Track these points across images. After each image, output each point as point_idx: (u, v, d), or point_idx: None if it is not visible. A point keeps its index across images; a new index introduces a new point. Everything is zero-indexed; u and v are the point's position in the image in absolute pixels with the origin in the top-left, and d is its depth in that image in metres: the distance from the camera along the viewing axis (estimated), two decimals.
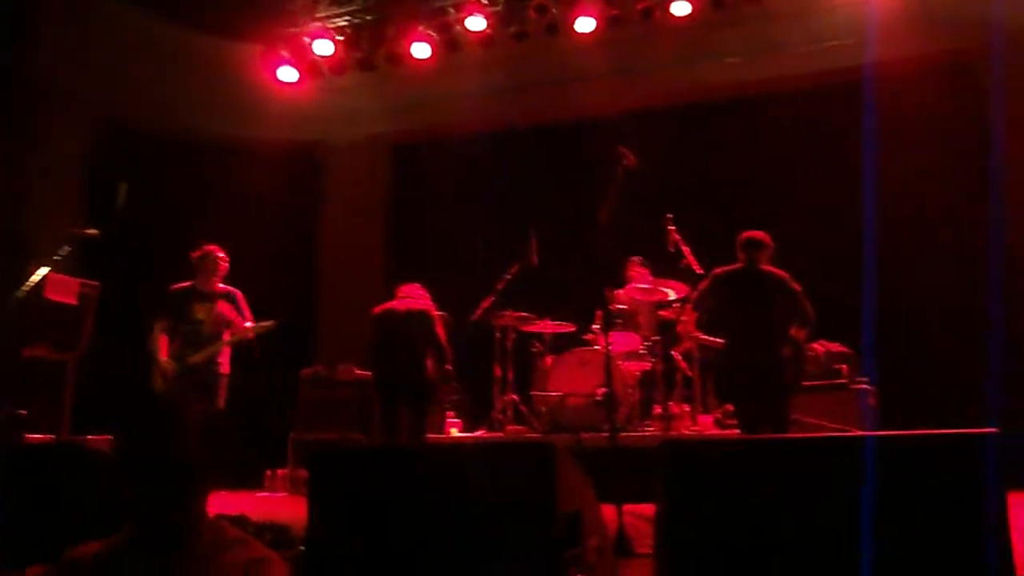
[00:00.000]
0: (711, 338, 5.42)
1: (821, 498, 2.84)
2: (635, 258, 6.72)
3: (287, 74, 8.44)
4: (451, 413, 7.15)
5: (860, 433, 4.68)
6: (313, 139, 9.31)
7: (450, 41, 8.03)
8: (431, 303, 6.00)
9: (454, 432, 7.03)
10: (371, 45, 8.15)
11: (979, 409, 5.28)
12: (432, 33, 7.97)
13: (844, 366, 5.90)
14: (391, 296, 6.12)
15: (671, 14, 7.44)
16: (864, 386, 5.83)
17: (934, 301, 6.89)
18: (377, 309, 5.97)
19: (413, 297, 5.97)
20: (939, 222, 7.19)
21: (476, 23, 7.78)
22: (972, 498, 2.65)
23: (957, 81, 7.53)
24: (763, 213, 6.06)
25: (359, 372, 7.12)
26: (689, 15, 7.46)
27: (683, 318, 5.58)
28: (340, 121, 9.14)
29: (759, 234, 5.05)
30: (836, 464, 2.91)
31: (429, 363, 5.77)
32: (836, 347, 6.01)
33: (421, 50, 8.05)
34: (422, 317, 5.83)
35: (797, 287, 4.93)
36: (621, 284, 6.63)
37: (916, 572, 2.69)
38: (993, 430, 2.79)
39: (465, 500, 3.23)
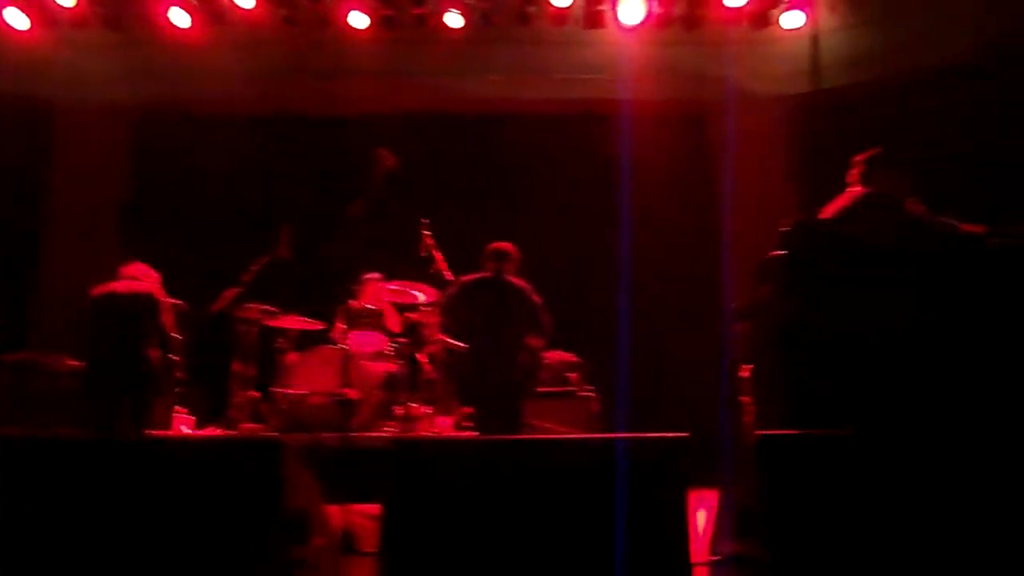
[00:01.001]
0: (456, 342, 5.60)
1: (546, 497, 3.04)
2: (372, 274, 6.77)
3: (16, 19, 7.47)
4: (182, 409, 6.70)
5: (582, 435, 5.06)
6: (44, 96, 8.31)
7: (214, 13, 7.56)
8: (159, 286, 5.59)
9: (184, 429, 6.59)
10: (121, 2, 7.45)
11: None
12: (193, 0, 7.47)
13: (574, 374, 6.38)
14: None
15: (444, 24, 7.59)
16: (590, 393, 6.34)
17: (663, 317, 7.64)
18: (96, 290, 5.45)
19: (138, 278, 5.52)
20: (674, 248, 7.97)
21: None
22: (659, 493, 2.98)
23: (694, 127, 8.47)
24: (513, 226, 6.36)
25: (71, 362, 6.46)
26: (461, 28, 7.66)
27: (430, 322, 5.71)
28: (78, 81, 8.20)
29: (506, 245, 5.31)
30: (561, 464, 3.14)
31: (152, 352, 5.37)
32: (567, 356, 6.48)
33: (179, 17, 7.49)
34: (146, 301, 5.41)
35: (538, 299, 5.25)
36: (355, 297, 6.67)
37: (609, 560, 2.97)
38: (685, 434, 3.17)
39: (189, 497, 3.07)
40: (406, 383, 6.41)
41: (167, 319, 5.48)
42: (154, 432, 5.88)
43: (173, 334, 5.53)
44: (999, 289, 3.26)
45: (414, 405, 6.32)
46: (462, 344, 5.46)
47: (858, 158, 4.15)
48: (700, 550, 3.28)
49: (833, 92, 7.81)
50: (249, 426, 6.43)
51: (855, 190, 4.03)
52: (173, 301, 5.99)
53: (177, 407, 6.59)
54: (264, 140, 8.22)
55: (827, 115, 7.66)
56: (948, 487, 2.72)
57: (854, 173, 4.10)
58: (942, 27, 7.38)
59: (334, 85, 8.19)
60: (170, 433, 6.34)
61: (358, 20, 7.55)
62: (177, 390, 6.56)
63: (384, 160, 4.61)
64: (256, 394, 6.53)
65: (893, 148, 4.34)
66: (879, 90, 7.76)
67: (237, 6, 7.44)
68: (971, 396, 3.12)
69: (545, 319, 5.27)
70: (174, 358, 5.60)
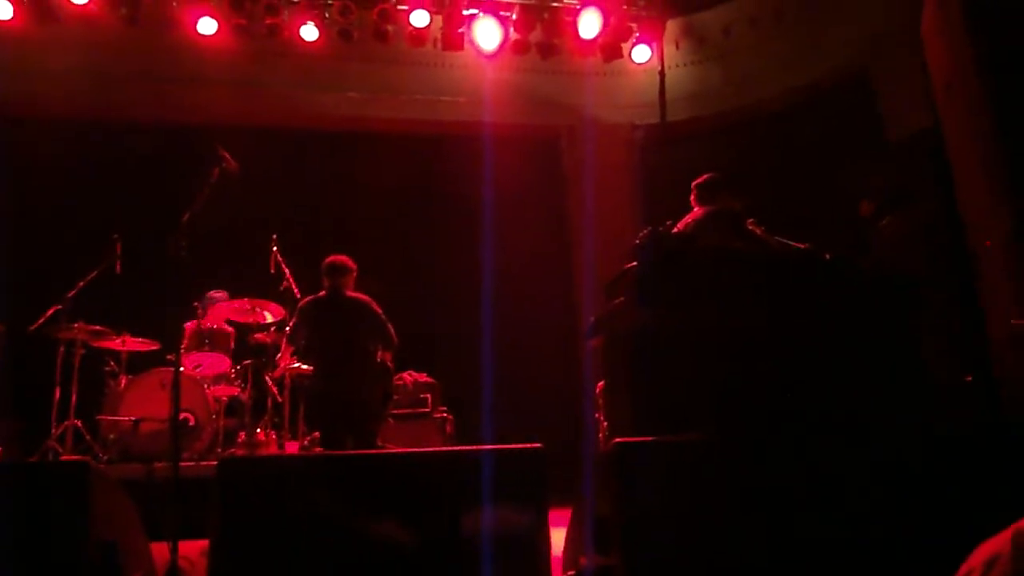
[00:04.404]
0: (303, 366, 5.33)
1: (380, 513, 2.87)
2: (215, 292, 6.41)
3: None
4: None
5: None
6: None
7: (44, 9, 6.98)
8: None
9: None
10: None
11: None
12: None
13: (428, 395, 6.26)
14: None
15: (299, 36, 7.39)
16: (444, 414, 6.23)
17: (519, 336, 7.64)
18: None
19: None
20: (530, 268, 8.01)
21: None
22: (516, 505, 2.89)
23: (549, 151, 8.63)
24: (367, 245, 6.19)
25: None
26: (318, 43, 7.47)
27: (277, 344, 5.43)
28: None
29: (342, 258, 5.14)
30: (400, 480, 2.99)
31: None
32: (423, 377, 6.36)
33: (2, 10, 6.89)
34: None
35: (379, 310, 5.09)
36: (196, 316, 6.28)
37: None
38: (537, 445, 3.11)
39: None
40: (251, 408, 6.05)
41: None
42: None
43: None
44: (833, 297, 3.45)
45: (259, 431, 5.96)
46: (309, 368, 5.21)
47: (698, 181, 4.36)
48: (557, 565, 3.22)
49: (677, 124, 8.20)
50: (71, 458, 5.83)
51: (700, 209, 4.20)
52: None
53: None
54: (97, 145, 7.63)
55: (672, 145, 8.02)
56: (799, 488, 2.78)
57: (695, 195, 4.31)
58: (776, 66, 7.93)
59: (180, 91, 7.74)
60: None
61: (207, 26, 7.21)
62: None
63: (224, 161, 4.28)
64: (78, 422, 5.95)
65: (729, 176, 4.60)
66: (717, 124, 8.23)
67: (72, 2, 6.92)
68: (814, 395, 3.24)
69: (389, 330, 5.13)
70: None
